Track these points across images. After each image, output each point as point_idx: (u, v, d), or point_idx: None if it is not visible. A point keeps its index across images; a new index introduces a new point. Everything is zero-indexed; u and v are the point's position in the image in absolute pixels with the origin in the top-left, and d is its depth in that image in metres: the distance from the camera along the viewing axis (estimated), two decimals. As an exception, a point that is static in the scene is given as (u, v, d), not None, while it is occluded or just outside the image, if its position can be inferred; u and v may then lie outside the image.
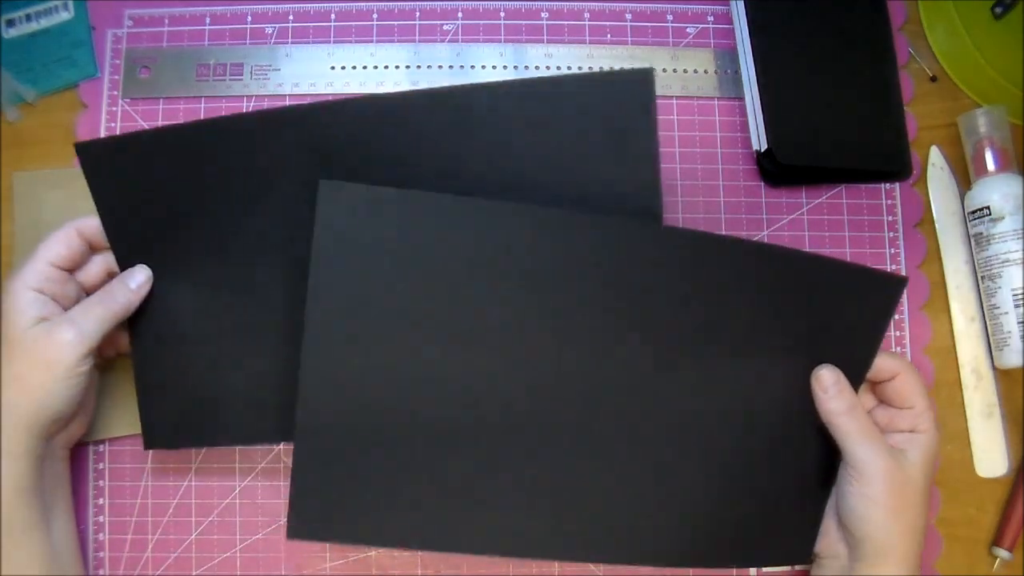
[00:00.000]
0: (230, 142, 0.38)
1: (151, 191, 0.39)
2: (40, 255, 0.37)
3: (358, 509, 0.37)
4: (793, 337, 0.39)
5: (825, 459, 0.40)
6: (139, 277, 0.39)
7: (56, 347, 0.36)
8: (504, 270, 0.36)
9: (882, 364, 0.40)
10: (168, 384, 0.40)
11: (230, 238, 0.39)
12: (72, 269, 0.39)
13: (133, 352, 0.40)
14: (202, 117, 0.46)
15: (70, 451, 0.41)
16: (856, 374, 0.40)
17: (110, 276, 0.40)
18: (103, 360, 0.40)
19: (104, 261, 0.40)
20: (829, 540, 0.40)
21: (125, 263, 0.40)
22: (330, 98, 0.47)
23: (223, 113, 0.46)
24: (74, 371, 0.36)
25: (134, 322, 0.40)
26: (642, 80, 0.37)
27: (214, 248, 0.39)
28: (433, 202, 0.36)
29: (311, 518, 0.36)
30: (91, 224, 0.39)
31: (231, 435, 0.41)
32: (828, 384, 0.39)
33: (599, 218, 0.37)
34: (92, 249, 0.40)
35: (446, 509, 0.37)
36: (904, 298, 0.46)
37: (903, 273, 0.47)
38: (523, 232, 0.36)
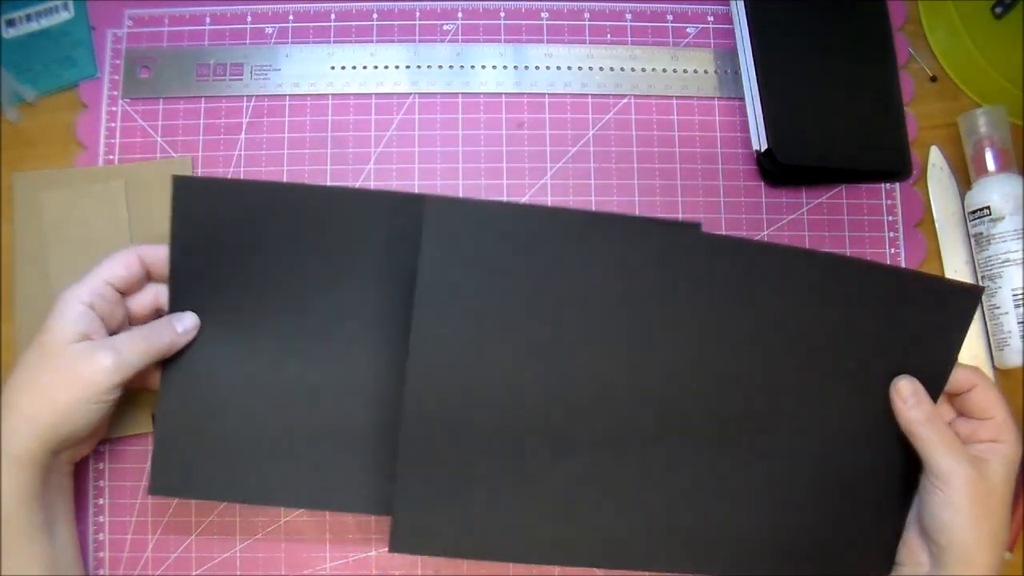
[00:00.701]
0: (322, 210, 0.38)
1: (227, 240, 0.39)
2: (98, 272, 0.37)
3: (459, 523, 0.38)
4: (871, 350, 0.40)
5: (905, 470, 0.41)
6: (187, 322, 0.39)
7: (93, 370, 0.36)
8: (604, 284, 0.37)
9: (958, 376, 0.40)
10: (190, 431, 0.39)
11: (295, 303, 0.39)
12: (126, 292, 0.39)
13: (161, 393, 0.40)
14: (204, 123, 0.46)
15: (74, 465, 0.40)
16: (935, 385, 0.40)
17: (157, 311, 0.40)
18: (126, 391, 0.39)
19: (156, 293, 0.40)
20: (911, 548, 0.40)
21: (178, 302, 0.39)
22: (331, 99, 0.47)
23: (223, 113, 0.46)
24: (103, 397, 0.36)
25: (168, 363, 0.39)
26: None
27: (275, 309, 0.39)
28: (534, 214, 0.37)
29: (414, 532, 0.38)
30: (153, 252, 0.39)
31: (253, 492, 0.40)
32: (907, 394, 0.39)
33: (689, 230, 0.38)
34: (149, 276, 0.39)
35: (547, 522, 0.38)
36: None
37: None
38: (623, 245, 0.37)
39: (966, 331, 0.40)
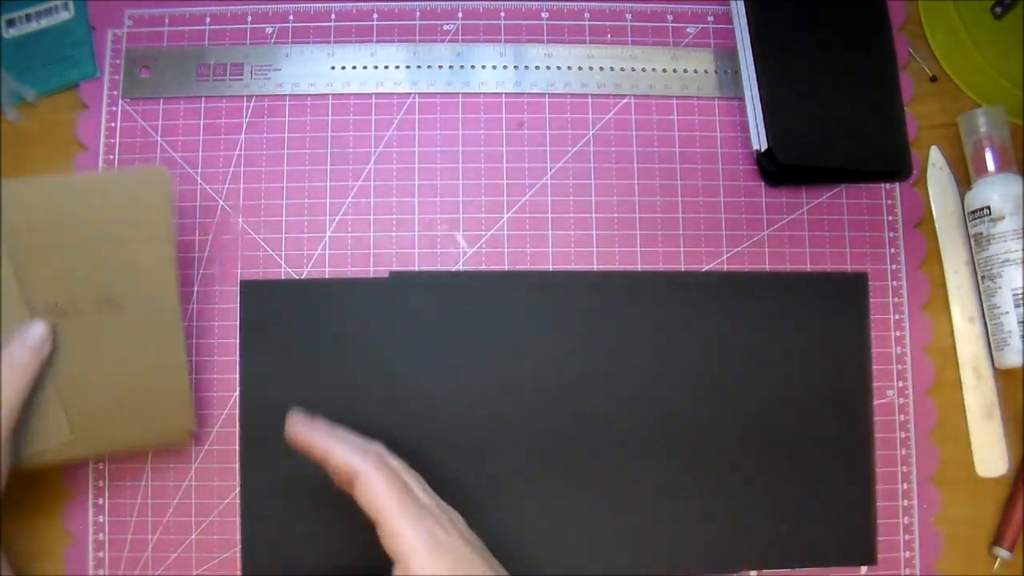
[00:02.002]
0: (374, 300, 0.44)
1: (295, 336, 0.43)
2: None
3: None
4: (789, 354, 0.45)
5: (859, 466, 0.44)
6: (38, 332, 0.37)
7: None
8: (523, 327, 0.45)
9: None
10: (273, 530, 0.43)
11: (362, 396, 0.44)
12: None
13: (242, 496, 0.43)
14: (204, 123, 0.46)
15: None
16: (859, 380, 0.44)
17: None
18: None
19: None
20: None
21: (251, 400, 0.44)
22: (331, 98, 0.47)
23: (223, 113, 0.46)
24: None
25: (247, 468, 0.43)
26: None
27: (343, 403, 0.43)
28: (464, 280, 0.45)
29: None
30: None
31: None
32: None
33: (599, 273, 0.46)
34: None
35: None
36: (904, 298, 0.46)
37: (903, 273, 0.47)
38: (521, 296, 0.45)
39: (867, 318, 0.46)
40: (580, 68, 0.47)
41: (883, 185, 0.48)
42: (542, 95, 0.47)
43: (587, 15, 0.48)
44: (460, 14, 0.48)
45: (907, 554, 0.45)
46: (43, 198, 0.39)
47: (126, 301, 0.40)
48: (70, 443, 0.39)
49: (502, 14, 0.48)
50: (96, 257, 0.39)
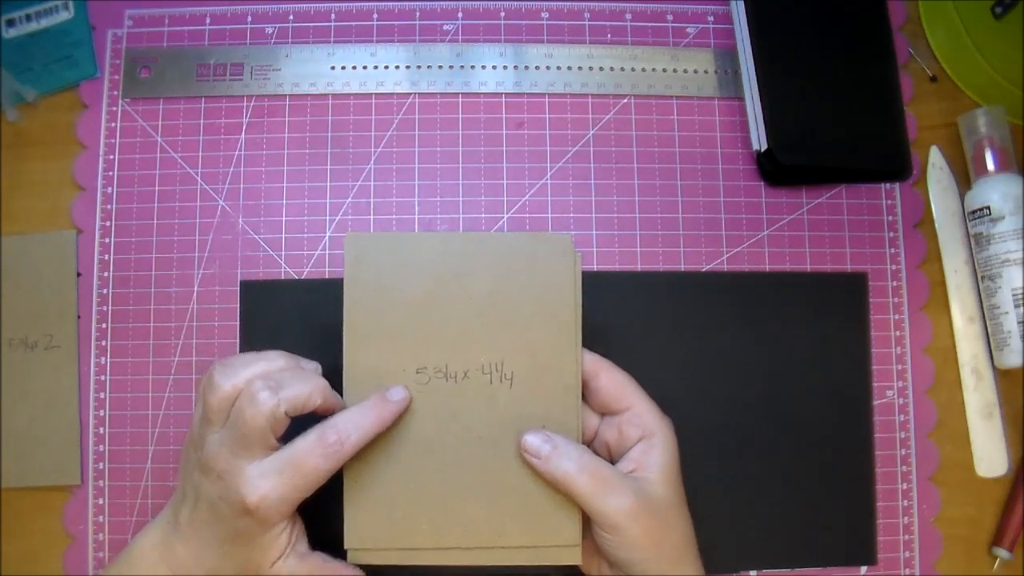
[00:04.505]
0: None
1: (296, 336, 0.42)
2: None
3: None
4: (790, 356, 0.45)
5: (858, 467, 0.45)
6: (399, 394, 0.37)
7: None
8: None
9: (583, 362, 0.38)
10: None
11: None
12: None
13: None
14: (204, 123, 0.46)
15: None
16: (861, 380, 0.45)
17: None
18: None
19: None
20: None
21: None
22: (331, 99, 0.47)
23: (223, 113, 0.46)
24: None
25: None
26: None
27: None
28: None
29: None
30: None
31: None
32: (535, 449, 0.36)
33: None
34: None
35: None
36: (904, 298, 0.46)
37: (903, 273, 0.47)
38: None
39: (867, 318, 0.46)
40: (580, 68, 0.47)
41: (883, 185, 0.48)
42: (542, 95, 0.47)
43: (587, 15, 0.48)
44: (460, 14, 0.48)
45: (907, 554, 0.45)
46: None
47: (517, 371, 0.38)
48: None
49: (502, 14, 0.48)
50: (492, 321, 0.38)
